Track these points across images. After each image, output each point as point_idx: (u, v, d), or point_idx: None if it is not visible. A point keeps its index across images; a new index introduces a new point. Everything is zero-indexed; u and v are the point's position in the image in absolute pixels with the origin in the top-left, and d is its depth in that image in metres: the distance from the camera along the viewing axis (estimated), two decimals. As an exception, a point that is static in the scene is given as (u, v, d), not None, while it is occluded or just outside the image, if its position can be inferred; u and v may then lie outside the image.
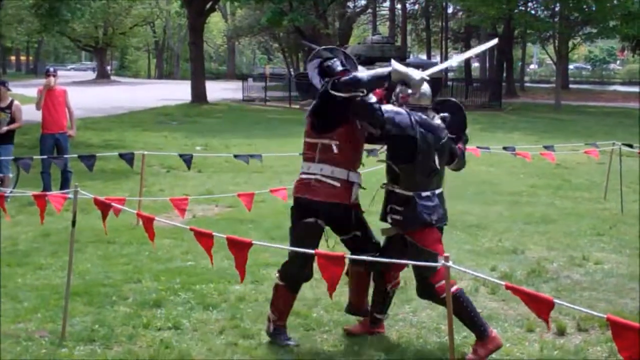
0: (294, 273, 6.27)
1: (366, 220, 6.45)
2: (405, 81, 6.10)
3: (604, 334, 6.46)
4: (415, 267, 6.07)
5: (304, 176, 6.22)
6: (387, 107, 6.00)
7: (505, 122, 31.29)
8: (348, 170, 6.14)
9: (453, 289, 5.84)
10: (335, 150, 6.08)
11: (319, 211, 6.11)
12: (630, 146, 13.94)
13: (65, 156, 12.85)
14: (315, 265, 5.41)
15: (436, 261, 5.72)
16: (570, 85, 67.72)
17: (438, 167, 6.13)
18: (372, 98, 5.98)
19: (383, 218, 6.34)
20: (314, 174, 6.13)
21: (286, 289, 6.33)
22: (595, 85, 78.55)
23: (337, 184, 6.09)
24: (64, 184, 12.96)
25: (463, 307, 5.93)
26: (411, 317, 7.01)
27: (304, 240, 6.05)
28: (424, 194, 6.06)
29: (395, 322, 6.88)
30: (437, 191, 6.20)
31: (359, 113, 6.01)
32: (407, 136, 5.93)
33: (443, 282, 5.76)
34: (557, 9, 40.62)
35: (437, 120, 6.24)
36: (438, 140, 6.13)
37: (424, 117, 6.13)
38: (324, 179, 6.08)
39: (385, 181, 6.33)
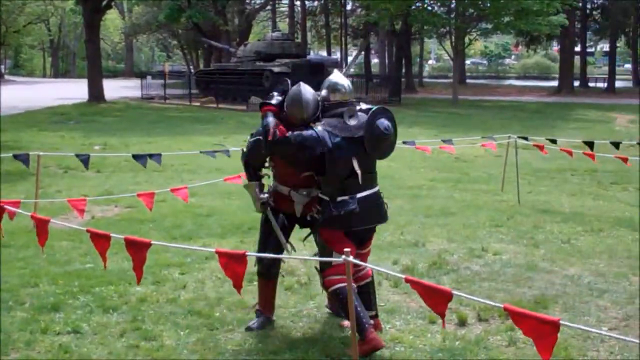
0: (259, 261, 6.67)
1: None
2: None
3: (503, 323, 6.60)
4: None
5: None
6: (293, 133, 6.14)
7: (405, 117, 31.60)
8: (289, 189, 6.49)
9: (338, 285, 6.01)
10: (275, 172, 6.66)
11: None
12: (526, 139, 14.30)
13: (-43, 158, 12.42)
14: (219, 266, 5.33)
15: (331, 256, 5.86)
16: (467, 80, 69.32)
17: (358, 170, 6.07)
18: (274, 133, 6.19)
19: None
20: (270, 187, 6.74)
21: (260, 277, 6.70)
22: (491, 80, 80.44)
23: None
24: (-44, 187, 12.54)
25: (342, 304, 5.93)
26: (315, 312, 7.00)
27: (262, 230, 6.69)
28: (340, 198, 6.10)
29: (300, 318, 6.87)
30: (361, 194, 6.14)
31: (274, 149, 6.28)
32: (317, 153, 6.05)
33: (332, 277, 6.03)
34: (453, 5, 41.36)
35: (354, 121, 6.21)
36: (355, 144, 6.10)
37: (338, 123, 6.17)
38: (275, 193, 6.63)
39: None
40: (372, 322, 6.07)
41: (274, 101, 6.37)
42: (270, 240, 6.55)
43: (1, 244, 9.25)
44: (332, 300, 6.66)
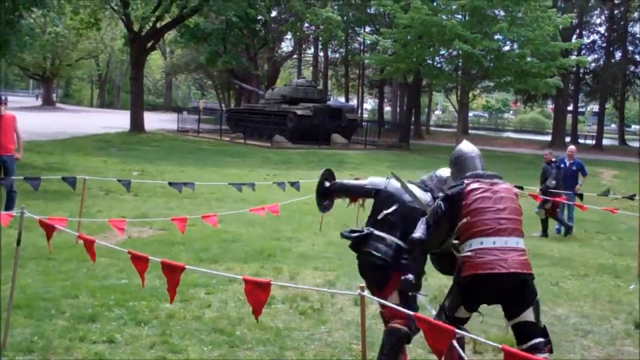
0: None
1: None
2: None
3: (496, 356, 6.54)
4: None
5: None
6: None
7: (412, 161, 31.62)
8: None
9: (397, 325, 5.63)
10: None
11: None
12: (521, 188, 14.23)
13: (12, 177, 12.48)
14: (241, 288, 5.29)
15: None
16: (470, 131, 69.08)
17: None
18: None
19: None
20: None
21: None
22: (491, 132, 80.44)
23: None
24: (9, 203, 12.58)
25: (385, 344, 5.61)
26: (326, 336, 6.96)
27: None
28: None
29: (312, 341, 6.83)
30: None
31: None
32: None
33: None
34: (460, 64, 41.41)
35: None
36: None
37: None
38: None
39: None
40: None
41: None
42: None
43: (46, 257, 9.31)
44: None
